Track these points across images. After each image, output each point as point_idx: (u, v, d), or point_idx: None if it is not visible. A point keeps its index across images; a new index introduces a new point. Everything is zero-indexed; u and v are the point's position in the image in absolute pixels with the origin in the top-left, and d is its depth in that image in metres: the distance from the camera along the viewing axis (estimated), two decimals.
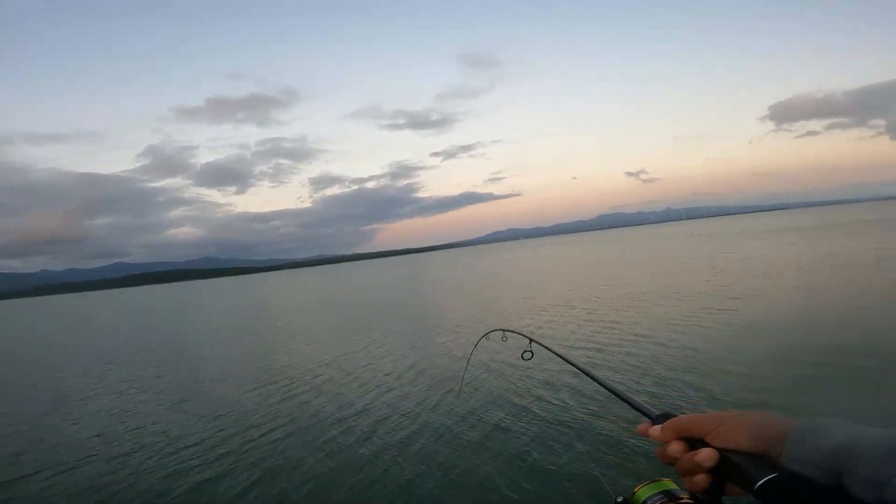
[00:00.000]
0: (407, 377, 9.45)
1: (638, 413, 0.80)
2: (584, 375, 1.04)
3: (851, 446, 0.63)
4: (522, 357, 1.40)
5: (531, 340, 1.45)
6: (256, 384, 10.08)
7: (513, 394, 7.77)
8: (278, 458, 6.20)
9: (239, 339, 17.96)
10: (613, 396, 0.90)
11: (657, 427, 0.72)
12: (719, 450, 0.64)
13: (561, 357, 1.22)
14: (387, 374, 9.77)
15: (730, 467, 0.63)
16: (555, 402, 7.09)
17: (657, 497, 0.70)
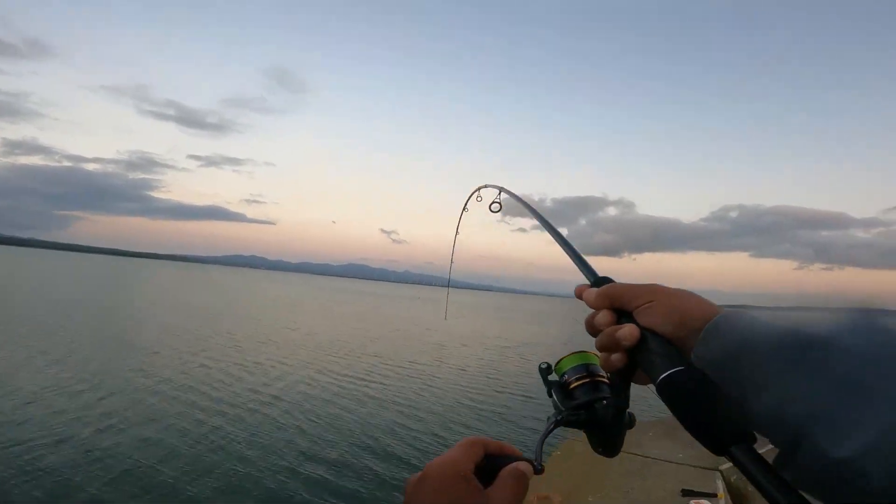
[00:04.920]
0: None
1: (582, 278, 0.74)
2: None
3: (748, 341, 0.50)
4: (490, 209, 1.39)
5: (501, 190, 1.39)
6: None
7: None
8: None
9: None
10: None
11: (592, 290, 0.64)
12: (643, 328, 0.57)
13: (529, 209, 1.10)
14: None
15: (644, 351, 0.56)
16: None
17: (578, 369, 0.65)
